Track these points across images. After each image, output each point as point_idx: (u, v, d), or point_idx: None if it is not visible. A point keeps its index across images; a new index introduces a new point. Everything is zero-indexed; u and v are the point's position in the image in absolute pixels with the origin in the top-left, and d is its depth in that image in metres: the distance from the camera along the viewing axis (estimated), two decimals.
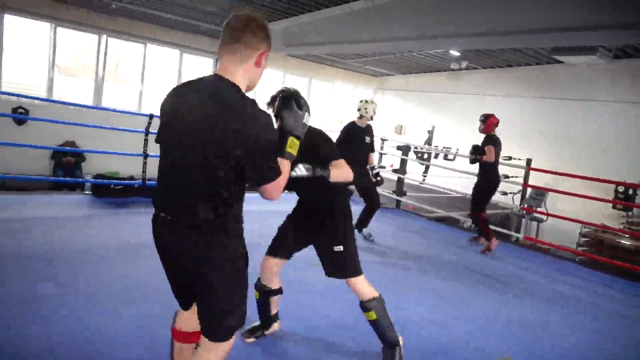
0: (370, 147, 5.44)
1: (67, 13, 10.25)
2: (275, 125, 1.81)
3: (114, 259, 3.80)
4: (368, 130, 5.40)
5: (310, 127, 2.34)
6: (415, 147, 12.42)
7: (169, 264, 1.82)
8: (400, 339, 2.76)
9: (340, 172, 2.50)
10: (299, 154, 1.93)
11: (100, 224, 4.64)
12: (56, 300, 2.93)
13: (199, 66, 12.76)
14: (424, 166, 13.55)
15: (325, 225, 2.70)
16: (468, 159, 5.75)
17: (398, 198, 7.68)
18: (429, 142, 14.82)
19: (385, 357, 2.72)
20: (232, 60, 1.68)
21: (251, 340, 2.88)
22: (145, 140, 5.80)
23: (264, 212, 6.22)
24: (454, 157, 12.86)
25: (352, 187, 5.49)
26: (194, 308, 1.85)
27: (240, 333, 2.83)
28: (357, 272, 2.68)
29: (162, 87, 11.93)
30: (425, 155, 14.30)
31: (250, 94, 1.78)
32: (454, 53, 11.35)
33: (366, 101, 5.36)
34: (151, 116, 5.82)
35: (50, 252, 3.67)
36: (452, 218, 8.13)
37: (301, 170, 2.38)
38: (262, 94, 12.11)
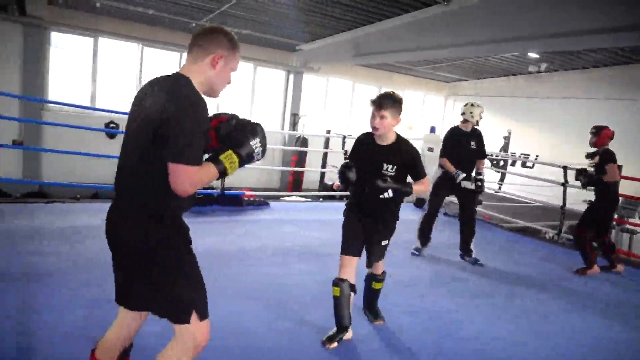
0: (478, 153, 5.10)
1: (154, 34, 11.02)
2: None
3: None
4: (474, 134, 5.09)
5: (411, 144, 2.98)
6: (490, 154, 11.94)
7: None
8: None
9: (419, 188, 2.95)
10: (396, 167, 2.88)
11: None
12: None
13: (272, 79, 13.17)
14: (500, 174, 13.00)
15: (384, 226, 3.05)
16: (580, 183, 5.16)
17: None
18: (505, 148, 14.22)
19: (370, 317, 3.31)
20: (189, 60, 1.82)
21: (334, 345, 2.91)
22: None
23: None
24: (533, 165, 12.22)
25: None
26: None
27: (320, 341, 2.92)
28: (382, 256, 3.16)
29: (236, 101, 12.40)
30: (501, 163, 13.72)
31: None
32: (533, 55, 10.84)
33: (471, 104, 5.08)
34: None
35: None
36: (532, 228, 7.72)
37: (389, 194, 2.79)
38: (331, 102, 12.21)
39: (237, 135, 1.80)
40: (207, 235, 4.86)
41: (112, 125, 10.61)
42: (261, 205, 6.53)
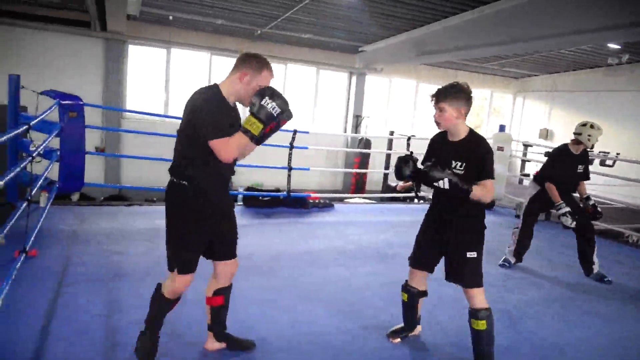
0: (583, 176, 4.63)
1: (221, 42, 11.46)
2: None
3: (271, 265, 4.10)
4: (583, 157, 4.60)
5: (483, 141, 2.62)
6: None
7: None
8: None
9: (482, 191, 2.48)
10: (464, 164, 2.55)
11: (254, 233, 5.02)
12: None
13: (335, 81, 13.24)
14: None
15: (461, 230, 2.64)
16: None
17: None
18: None
19: None
20: (227, 75, 2.33)
21: (397, 340, 2.90)
22: (290, 154, 6.19)
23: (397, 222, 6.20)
24: (613, 163, 11.38)
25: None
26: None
27: (385, 334, 2.96)
28: (479, 283, 2.63)
29: (299, 104, 12.59)
30: None
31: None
32: (613, 46, 10.11)
33: (591, 126, 4.50)
34: (295, 132, 6.18)
35: None
36: (614, 231, 7.19)
37: (445, 184, 2.45)
38: (394, 103, 12.00)
39: (251, 101, 2.18)
40: (275, 237, 4.97)
41: None
42: (326, 207, 6.57)
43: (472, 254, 2.62)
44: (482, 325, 2.56)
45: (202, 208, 2.28)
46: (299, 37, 11.08)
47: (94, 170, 10.03)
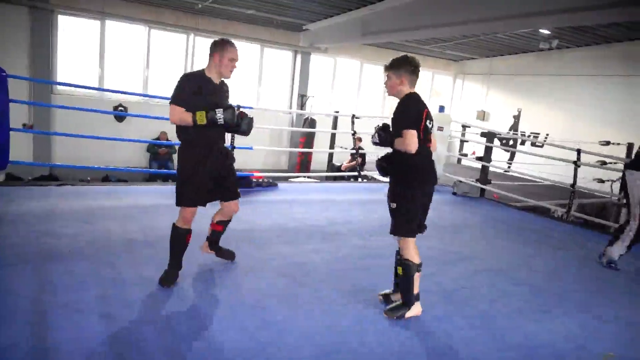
0: None
1: (160, 16, 10.95)
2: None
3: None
4: None
5: (405, 101, 2.88)
6: (499, 134, 11.87)
7: None
8: (416, 306, 2.95)
9: (399, 140, 2.82)
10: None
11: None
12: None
13: (279, 60, 13.07)
14: (509, 153, 12.91)
15: (391, 183, 2.98)
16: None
17: (482, 186, 7.38)
18: (514, 127, 14.09)
19: (392, 306, 2.99)
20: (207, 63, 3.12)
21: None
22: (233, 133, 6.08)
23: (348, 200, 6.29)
24: (543, 144, 12.10)
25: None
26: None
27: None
28: (401, 233, 2.92)
29: (243, 82, 12.36)
30: (511, 142, 13.61)
31: None
32: (544, 31, 10.64)
33: None
34: (238, 107, 6.04)
35: (153, 237, 3.99)
36: (542, 207, 7.68)
37: (375, 138, 3.00)
38: (339, 83, 12.03)
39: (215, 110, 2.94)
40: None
41: (120, 108, 10.64)
42: (270, 186, 6.54)
43: (392, 205, 2.91)
44: (400, 270, 2.93)
45: (194, 160, 3.04)
46: (242, 13, 10.80)
47: (21, 148, 9.37)
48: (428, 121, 2.86)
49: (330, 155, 11.86)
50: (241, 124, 3.04)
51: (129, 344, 2.43)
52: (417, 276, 2.94)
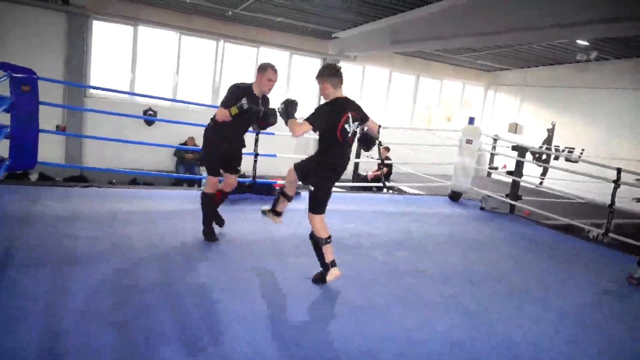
0: None
1: (191, 22, 11.11)
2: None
3: (231, 252, 3.98)
4: None
5: (335, 100, 3.33)
6: (531, 148, 11.50)
7: None
8: (333, 270, 3.37)
9: (291, 122, 3.30)
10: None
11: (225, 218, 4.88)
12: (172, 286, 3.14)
13: (308, 67, 13.08)
14: (542, 168, 12.49)
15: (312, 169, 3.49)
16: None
17: (512, 202, 7.11)
18: (548, 141, 13.65)
19: (315, 274, 3.51)
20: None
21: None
22: (256, 139, 6.04)
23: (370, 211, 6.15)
24: (578, 159, 11.66)
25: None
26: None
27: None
28: (314, 211, 3.41)
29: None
30: (544, 157, 13.17)
31: None
32: (582, 42, 10.27)
33: None
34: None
35: (174, 244, 3.96)
36: (576, 226, 7.34)
37: (279, 108, 3.47)
38: (367, 92, 11.84)
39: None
40: (238, 224, 4.84)
41: (150, 112, 10.80)
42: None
43: (310, 188, 3.44)
44: (311, 242, 3.45)
45: (216, 145, 4.02)
46: (271, 20, 10.84)
47: (54, 150, 9.63)
48: (347, 125, 3.29)
49: (356, 165, 11.72)
50: (266, 111, 3.85)
51: (140, 354, 2.37)
52: (329, 248, 3.40)
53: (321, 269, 3.46)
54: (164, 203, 5.35)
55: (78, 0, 9.68)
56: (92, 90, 10.43)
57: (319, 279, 3.46)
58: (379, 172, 10.19)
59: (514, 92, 14.96)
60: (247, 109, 3.72)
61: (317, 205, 3.42)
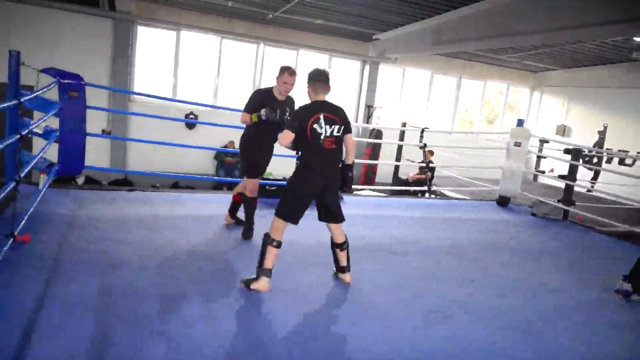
0: None
1: (232, 26, 11.19)
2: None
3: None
4: None
5: (311, 103, 3.35)
6: (585, 150, 10.93)
7: None
8: (262, 280, 3.14)
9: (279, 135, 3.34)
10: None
11: (259, 225, 4.77)
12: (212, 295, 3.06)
13: (347, 70, 12.94)
14: (593, 172, 11.86)
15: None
16: None
17: (566, 208, 6.73)
18: (599, 144, 12.96)
19: (248, 278, 3.24)
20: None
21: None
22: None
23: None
24: (633, 162, 11.00)
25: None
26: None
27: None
28: (278, 214, 3.26)
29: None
30: (595, 160, 12.52)
31: None
32: (638, 40, 9.70)
33: None
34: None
35: (216, 251, 3.91)
36: (635, 233, 6.88)
37: (265, 114, 3.92)
38: (407, 94, 11.60)
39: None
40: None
41: (191, 116, 10.93)
42: None
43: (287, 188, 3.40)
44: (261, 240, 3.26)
45: (253, 147, 4.17)
46: (311, 23, 10.77)
47: (99, 154, 9.86)
48: (317, 125, 3.18)
49: (396, 168, 11.49)
50: (284, 120, 3.79)
51: None
52: (273, 252, 3.19)
53: (255, 274, 3.21)
54: (205, 207, 5.32)
55: (125, 7, 9.90)
56: (135, 95, 10.65)
57: (246, 283, 3.19)
58: (422, 176, 9.95)
59: (560, 94, 14.34)
60: (265, 120, 3.88)
61: (285, 210, 3.26)
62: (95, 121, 9.35)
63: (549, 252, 5.15)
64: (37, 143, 5.58)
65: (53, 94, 4.55)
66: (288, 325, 2.84)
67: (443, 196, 8.88)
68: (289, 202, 3.28)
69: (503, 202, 7.37)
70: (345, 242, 3.47)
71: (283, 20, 10.83)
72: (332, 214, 3.41)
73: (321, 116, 3.20)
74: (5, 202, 2.94)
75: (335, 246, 3.48)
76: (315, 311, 3.09)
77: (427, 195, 8.35)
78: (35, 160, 3.62)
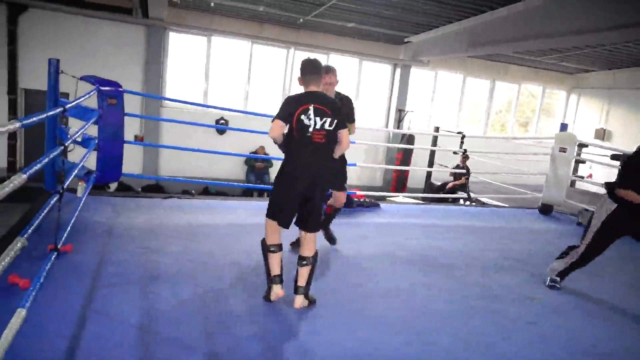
0: None
1: (263, 31, 11.14)
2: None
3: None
4: None
5: (298, 94, 3.01)
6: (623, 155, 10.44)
7: None
8: (275, 288, 3.00)
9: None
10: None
11: (296, 232, 4.65)
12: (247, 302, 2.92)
13: (377, 73, 12.75)
14: None
15: None
16: None
17: None
18: None
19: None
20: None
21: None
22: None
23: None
24: None
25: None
26: None
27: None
28: (266, 214, 3.09)
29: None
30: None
31: None
32: None
33: None
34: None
35: (257, 262, 3.78)
36: None
37: None
38: (439, 98, 11.33)
39: None
40: (319, 238, 4.58)
41: (222, 121, 10.91)
42: (371, 206, 6.15)
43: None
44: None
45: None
46: (342, 26, 10.63)
47: (132, 159, 9.90)
48: (304, 116, 2.88)
49: (428, 174, 11.23)
50: None
51: None
52: (274, 257, 3.03)
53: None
54: (240, 215, 5.21)
55: (157, 14, 9.96)
56: (167, 101, 10.69)
57: (266, 298, 3.04)
58: (457, 182, 9.69)
59: (600, 96, 13.81)
60: None
61: (270, 207, 3.07)
62: (128, 127, 9.34)
63: (603, 266, 4.82)
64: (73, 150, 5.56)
65: (89, 101, 4.52)
66: (346, 344, 2.66)
67: (479, 202, 8.57)
68: (274, 201, 3.04)
69: (546, 210, 7.05)
70: (310, 259, 3.01)
71: (314, 24, 10.72)
72: (304, 219, 3.04)
73: (311, 107, 2.88)
74: (47, 213, 2.88)
75: (298, 258, 3.05)
76: (376, 331, 2.91)
77: (459, 201, 8.08)
78: (76, 170, 3.55)
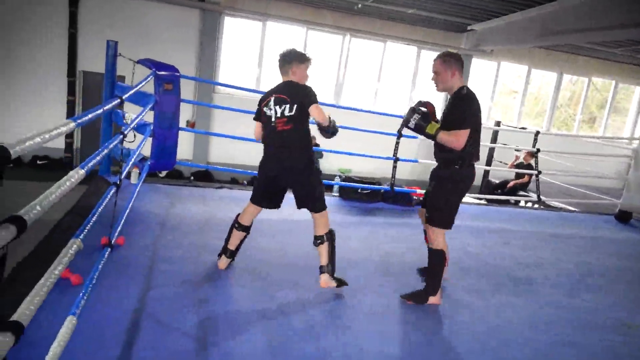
0: None
1: (319, 16, 10.78)
2: None
3: (379, 281, 3.43)
4: None
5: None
6: None
7: None
8: (221, 260, 3.19)
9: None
10: None
11: (356, 235, 4.33)
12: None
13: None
14: None
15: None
16: None
17: None
18: None
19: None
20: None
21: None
22: (397, 143, 5.38)
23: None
24: None
25: None
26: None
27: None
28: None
29: (398, 85, 11.74)
30: None
31: None
32: None
33: None
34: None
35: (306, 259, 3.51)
36: None
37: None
38: (500, 90, 10.45)
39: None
40: (381, 241, 4.26)
41: None
42: None
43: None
44: None
45: None
46: (401, 13, 10.12)
47: (183, 145, 9.86)
48: (267, 108, 3.01)
49: (485, 172, 10.60)
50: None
51: None
52: (236, 234, 3.23)
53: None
54: (290, 209, 4.94)
55: None
56: (219, 87, 10.57)
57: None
58: (520, 180, 9.10)
59: None
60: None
61: (253, 191, 3.26)
62: (181, 113, 9.37)
63: None
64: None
65: (149, 85, 4.35)
66: (391, 349, 2.35)
67: (545, 205, 7.94)
68: (255, 185, 3.28)
69: (624, 217, 6.43)
70: (323, 237, 3.00)
71: (372, 10, 10.27)
72: (300, 200, 3.12)
73: (272, 98, 3.01)
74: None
75: (314, 239, 3.04)
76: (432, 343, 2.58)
77: (521, 202, 7.51)
78: (133, 159, 3.37)
